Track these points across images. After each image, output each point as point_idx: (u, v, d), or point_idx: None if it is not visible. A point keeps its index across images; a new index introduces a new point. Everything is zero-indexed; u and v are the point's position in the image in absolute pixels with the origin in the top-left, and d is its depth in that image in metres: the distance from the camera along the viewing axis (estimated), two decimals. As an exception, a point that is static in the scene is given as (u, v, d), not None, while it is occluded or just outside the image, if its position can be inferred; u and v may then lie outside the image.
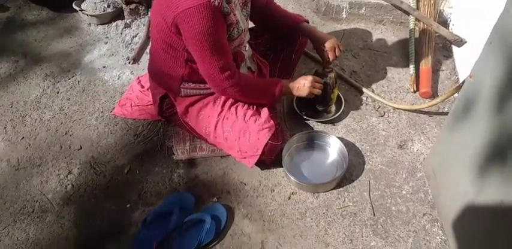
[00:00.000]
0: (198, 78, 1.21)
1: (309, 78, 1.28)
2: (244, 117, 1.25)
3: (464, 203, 1.00)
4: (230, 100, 1.28)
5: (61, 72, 1.67)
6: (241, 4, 1.19)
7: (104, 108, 1.52)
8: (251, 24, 1.38)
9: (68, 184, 1.32)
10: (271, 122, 1.24)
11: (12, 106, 1.56)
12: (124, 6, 1.80)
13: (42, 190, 1.31)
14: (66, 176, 1.33)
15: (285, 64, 1.49)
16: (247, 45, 1.33)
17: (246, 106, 1.28)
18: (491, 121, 0.86)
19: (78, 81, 1.62)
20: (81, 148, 1.41)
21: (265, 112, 1.27)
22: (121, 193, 1.28)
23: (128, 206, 1.25)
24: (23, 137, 1.45)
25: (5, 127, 1.49)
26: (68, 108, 1.53)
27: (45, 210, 1.26)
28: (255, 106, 1.29)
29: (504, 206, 0.83)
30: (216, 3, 1.01)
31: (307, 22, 1.40)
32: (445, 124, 1.15)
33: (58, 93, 1.59)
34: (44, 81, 1.63)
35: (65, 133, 1.45)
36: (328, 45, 1.34)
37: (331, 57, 1.35)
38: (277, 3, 1.39)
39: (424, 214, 1.19)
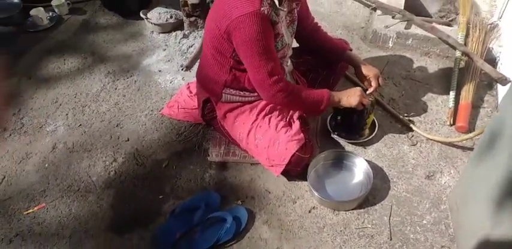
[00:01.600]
0: (239, 85, 1.35)
1: (358, 88, 1.37)
2: (276, 127, 1.36)
3: (481, 237, 1.03)
4: (265, 111, 1.40)
5: (121, 72, 1.90)
6: (288, 21, 1.32)
7: (154, 107, 1.72)
8: (295, 44, 1.51)
9: (112, 170, 1.50)
10: (301, 135, 1.33)
11: (76, 97, 1.81)
12: (185, 18, 2.03)
13: (89, 172, 1.50)
14: (111, 163, 1.52)
15: (323, 86, 1.55)
16: (289, 60, 1.45)
17: (279, 117, 1.39)
18: (511, 157, 0.90)
19: (135, 81, 1.85)
20: (128, 140, 1.60)
21: (296, 125, 1.37)
22: (156, 184, 1.44)
23: (161, 197, 1.40)
24: (80, 125, 1.68)
25: (66, 114, 1.73)
26: (123, 103, 1.75)
27: (89, 190, 1.44)
28: (287, 118, 1.40)
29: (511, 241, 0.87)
30: (266, 11, 1.16)
31: (351, 50, 1.51)
32: (471, 158, 1.19)
33: (116, 89, 1.82)
34: (106, 78, 1.87)
35: (116, 125, 1.66)
36: (371, 73, 1.43)
37: (374, 84, 1.44)
38: (324, 30, 1.52)
39: (442, 246, 1.22)
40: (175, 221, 1.30)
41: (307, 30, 1.47)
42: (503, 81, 1.59)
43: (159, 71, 1.89)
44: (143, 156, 1.53)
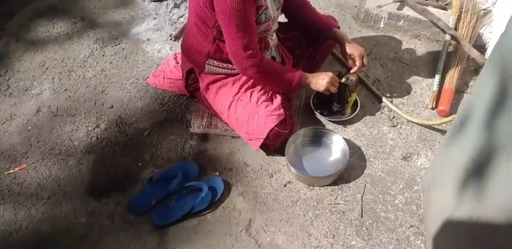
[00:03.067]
0: (222, 56, 1.27)
1: (329, 74, 1.30)
2: (257, 101, 1.29)
3: (444, 218, 1.00)
4: (247, 84, 1.33)
5: (110, 38, 1.78)
6: None
7: (140, 75, 1.62)
8: (284, 19, 1.40)
9: (94, 136, 1.42)
10: (281, 110, 1.27)
11: (63, 61, 1.68)
12: None
13: (71, 137, 1.42)
14: (94, 129, 1.44)
15: (309, 63, 1.50)
16: (274, 34, 1.36)
17: (261, 92, 1.32)
18: (478, 138, 0.86)
19: (123, 49, 1.73)
20: (112, 107, 1.51)
21: (277, 100, 1.31)
22: (137, 152, 1.37)
23: (140, 164, 1.34)
24: (66, 89, 1.58)
25: (53, 78, 1.62)
26: (109, 70, 1.64)
27: (70, 154, 1.37)
28: (269, 94, 1.33)
29: (472, 222, 0.83)
30: None
31: (338, 28, 1.41)
32: (444, 140, 1.13)
33: (103, 55, 1.70)
34: (94, 44, 1.75)
35: (101, 92, 1.56)
36: (356, 52, 1.34)
37: (358, 64, 1.36)
38: (312, 5, 1.41)
39: (411, 226, 1.19)
40: (152, 188, 1.25)
41: (294, 5, 1.36)
42: (490, 67, 1.49)
43: (148, 40, 1.77)
44: (126, 124, 1.45)
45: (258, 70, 1.20)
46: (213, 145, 1.39)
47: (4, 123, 1.47)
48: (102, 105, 1.51)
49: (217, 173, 1.31)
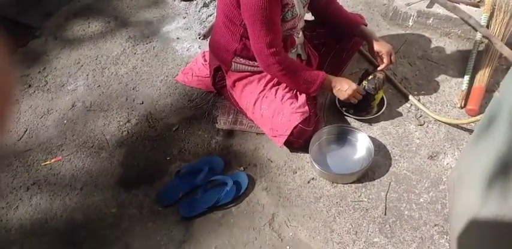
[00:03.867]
0: (249, 54, 1.25)
1: (353, 85, 1.26)
2: (282, 98, 1.27)
3: (470, 216, 0.95)
4: (273, 82, 1.31)
5: (141, 37, 1.80)
6: None
7: (169, 73, 1.63)
8: (310, 17, 1.37)
9: (125, 130, 1.45)
10: (306, 108, 1.25)
11: (97, 59, 1.72)
12: None
13: (104, 131, 1.45)
14: (125, 124, 1.47)
15: (335, 61, 1.47)
16: (300, 32, 1.33)
17: (286, 89, 1.30)
18: (505, 137, 0.81)
19: (154, 47, 1.75)
20: (142, 103, 1.53)
21: (302, 98, 1.28)
22: (165, 146, 1.39)
23: (168, 158, 1.35)
24: (99, 86, 1.62)
25: (87, 75, 1.66)
26: (140, 67, 1.67)
27: (102, 148, 1.40)
28: (294, 91, 1.31)
29: (498, 221, 0.79)
30: None
31: (366, 25, 1.37)
32: (470, 138, 1.07)
33: (135, 53, 1.73)
34: (126, 42, 1.78)
35: (133, 88, 1.59)
36: (383, 50, 1.30)
37: (385, 61, 1.31)
38: (345, 5, 1.36)
39: (435, 225, 1.13)
40: (180, 181, 1.25)
41: (321, 2, 1.33)
42: (523, 66, 1.39)
43: (177, 38, 1.78)
44: (155, 119, 1.47)
45: (281, 68, 1.19)
46: (238, 141, 1.38)
47: (42, 117, 1.52)
48: (133, 100, 1.54)
49: (241, 168, 1.30)
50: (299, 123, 1.21)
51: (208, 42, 1.43)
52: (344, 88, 1.25)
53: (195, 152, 1.36)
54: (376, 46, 1.31)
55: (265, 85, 1.30)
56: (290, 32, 1.24)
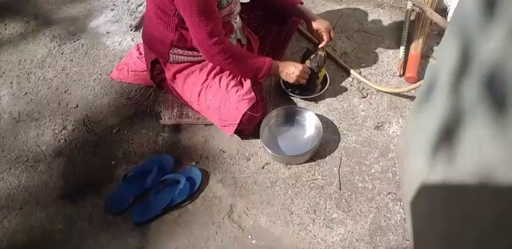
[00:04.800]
0: (186, 44, 1.15)
1: (299, 67, 1.20)
2: (227, 87, 1.18)
3: (419, 182, 0.94)
4: (215, 70, 1.21)
5: (67, 35, 1.60)
6: None
7: (103, 71, 1.46)
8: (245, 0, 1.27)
9: (61, 138, 1.28)
10: (252, 94, 1.17)
11: (20, 63, 1.51)
12: None
13: (38, 142, 1.28)
14: (61, 131, 1.30)
15: (276, 42, 1.39)
16: (237, 17, 1.23)
17: (230, 77, 1.21)
18: (444, 103, 0.80)
19: (82, 44, 1.55)
20: (77, 106, 1.37)
21: (247, 84, 1.20)
22: (108, 150, 1.25)
23: (113, 162, 1.22)
24: (26, 93, 1.42)
25: (11, 82, 1.45)
26: (70, 68, 1.48)
27: (38, 160, 1.24)
28: (239, 78, 1.22)
29: (445, 185, 0.79)
30: None
31: (302, 3, 1.29)
32: (412, 106, 1.06)
33: (62, 53, 1.53)
34: (51, 42, 1.57)
35: (64, 92, 1.41)
36: (322, 27, 1.25)
37: (326, 38, 1.27)
38: None
39: (388, 193, 1.12)
40: (128, 185, 1.14)
41: None
42: (453, 30, 1.39)
43: (107, 33, 1.59)
44: (93, 122, 1.32)
45: (226, 57, 1.10)
46: (186, 135, 1.27)
47: (-35, 134, 1.31)
48: (67, 105, 1.36)
49: (193, 163, 1.21)
50: (247, 110, 1.14)
51: (141, 33, 1.28)
52: (291, 71, 1.19)
53: (141, 152, 1.24)
54: (315, 25, 1.25)
55: (208, 75, 1.20)
56: (227, 18, 1.15)
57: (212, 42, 1.06)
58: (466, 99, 0.71)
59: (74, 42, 1.56)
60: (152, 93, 1.36)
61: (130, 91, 1.38)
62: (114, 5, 1.70)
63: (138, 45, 1.46)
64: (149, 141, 1.26)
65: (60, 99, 1.39)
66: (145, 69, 1.35)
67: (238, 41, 1.28)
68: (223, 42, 1.08)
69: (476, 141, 0.67)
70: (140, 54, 1.43)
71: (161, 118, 1.30)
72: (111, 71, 1.43)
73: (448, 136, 0.79)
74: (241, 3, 1.24)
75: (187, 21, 1.05)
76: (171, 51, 1.17)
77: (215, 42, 1.06)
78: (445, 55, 0.81)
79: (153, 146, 1.25)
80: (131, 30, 1.59)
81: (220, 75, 1.21)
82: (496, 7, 0.60)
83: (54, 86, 1.42)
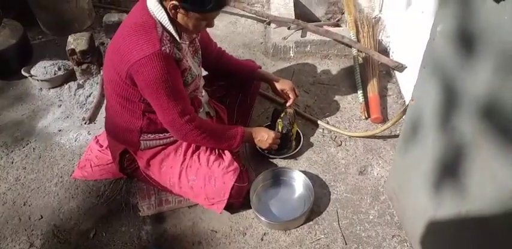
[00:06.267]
0: (157, 128, 1.35)
1: (272, 133, 1.46)
2: (208, 162, 1.37)
3: (426, 220, 1.14)
4: (191, 148, 1.41)
5: (14, 141, 1.78)
6: (192, 51, 1.37)
7: (63, 172, 1.63)
8: (204, 72, 1.57)
9: (31, 258, 1.39)
10: (235, 164, 1.37)
11: (-36, 184, 1.66)
12: (75, 67, 1.99)
13: (3, 268, 1.37)
14: None
15: (242, 107, 1.68)
16: (203, 90, 1.50)
17: (208, 151, 1.41)
18: (437, 140, 1.01)
19: (34, 148, 1.74)
20: (41, 217, 1.48)
21: (228, 155, 1.40)
22: None
23: (98, 272, 1.34)
24: None
25: (-43, 206, 1.58)
26: (25, 177, 1.63)
27: (8, 290, 1.31)
28: (217, 151, 1.42)
29: (461, 218, 0.97)
30: (167, 50, 1.17)
31: (260, 68, 1.63)
32: (397, 147, 1.33)
33: (12, 162, 1.69)
34: None
35: (23, 204, 1.53)
36: (287, 86, 1.56)
37: (292, 96, 1.57)
38: (228, 53, 1.61)
39: (393, 236, 1.35)
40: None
41: (212, 57, 1.54)
42: (400, 68, 1.86)
43: (59, 131, 1.81)
44: (65, 231, 1.44)
45: (200, 132, 1.30)
46: (171, 223, 1.42)
47: None
48: (29, 218, 1.48)
49: None
50: (234, 182, 1.32)
51: (101, 125, 1.49)
52: (264, 137, 1.44)
53: None
54: (279, 85, 1.56)
55: (185, 155, 1.39)
56: (194, 93, 1.39)
57: (184, 120, 1.26)
58: (463, 133, 0.89)
59: (23, 147, 1.74)
60: (123, 185, 1.53)
61: (98, 188, 1.54)
62: (61, 100, 1.97)
63: (96, 137, 1.67)
64: (132, 239, 1.38)
65: (19, 213, 1.49)
66: (111, 161, 1.53)
67: (207, 113, 1.53)
68: (195, 119, 1.30)
69: (487, 172, 0.83)
70: (101, 146, 1.62)
71: (140, 210, 1.45)
72: (73, 171, 1.60)
73: (450, 171, 0.97)
74: (203, 77, 1.52)
75: (154, 105, 1.25)
76: (141, 138, 1.36)
77: (187, 120, 1.27)
78: (424, 95, 1.04)
79: (138, 243, 1.37)
80: (85, 123, 1.82)
81: (198, 152, 1.41)
82: (475, 45, 0.80)
83: (10, 200, 1.54)
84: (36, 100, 1.99)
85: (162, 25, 1.21)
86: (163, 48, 1.17)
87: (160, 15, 1.20)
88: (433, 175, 1.08)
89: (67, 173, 1.64)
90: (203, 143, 1.39)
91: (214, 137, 1.37)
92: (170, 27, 1.21)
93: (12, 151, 1.76)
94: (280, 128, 1.55)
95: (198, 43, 1.41)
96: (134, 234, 1.42)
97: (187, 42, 1.34)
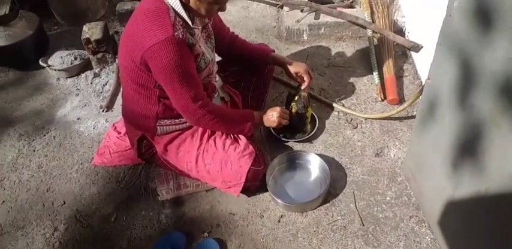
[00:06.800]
0: (173, 113, 1.35)
1: (277, 109, 1.44)
2: (224, 146, 1.37)
3: (444, 199, 1.12)
4: (207, 133, 1.41)
5: (35, 130, 1.81)
6: (205, 37, 1.35)
7: (83, 159, 1.65)
8: (218, 58, 1.55)
9: (55, 242, 1.41)
10: (251, 148, 1.37)
11: (-11, 171, 1.70)
12: (91, 56, 1.99)
13: (30, 251, 1.41)
14: (52, 234, 1.43)
15: (256, 92, 1.66)
16: (216, 76, 1.49)
17: (224, 136, 1.41)
18: (455, 119, 0.99)
19: (54, 137, 1.77)
20: (64, 203, 1.52)
21: (243, 139, 1.40)
22: (110, 242, 1.37)
23: (119, 254, 1.36)
24: (3, 201, 1.55)
25: (-16, 193, 1.63)
26: (47, 164, 1.66)
27: (35, 272, 1.35)
28: (232, 135, 1.42)
29: (480, 196, 0.95)
30: (180, 35, 1.17)
31: (274, 51, 1.60)
32: (414, 127, 1.31)
33: (34, 151, 1.72)
34: (19, 141, 1.76)
35: (46, 191, 1.57)
36: (301, 69, 1.54)
37: (307, 79, 1.54)
38: (241, 38, 1.58)
39: (410, 217, 1.33)
40: (144, 274, 1.27)
41: (225, 42, 1.52)
42: (416, 48, 1.79)
43: (78, 119, 1.83)
44: (87, 216, 1.46)
45: (212, 117, 1.30)
46: (190, 206, 1.43)
47: None
48: (53, 204, 1.51)
49: (205, 234, 1.34)
50: (250, 166, 1.32)
51: (118, 112, 1.51)
52: (270, 114, 1.43)
53: (147, 236, 1.36)
54: (293, 68, 1.54)
55: (201, 139, 1.40)
56: (208, 78, 1.38)
57: (197, 106, 1.26)
58: (482, 111, 0.87)
59: (44, 136, 1.78)
60: (142, 171, 1.55)
61: (118, 174, 1.57)
62: (78, 89, 2.00)
63: (113, 125, 1.68)
64: (152, 222, 1.40)
65: (43, 199, 1.54)
66: (129, 147, 1.54)
67: (222, 98, 1.52)
68: (207, 104, 1.30)
69: (507, 150, 0.81)
70: (119, 133, 1.63)
71: (158, 195, 1.46)
72: (92, 158, 1.62)
73: (468, 150, 0.95)
74: (216, 62, 1.50)
75: (167, 90, 1.25)
76: (157, 124, 1.37)
77: (200, 105, 1.27)
78: (440, 73, 1.02)
79: (158, 226, 1.39)
80: (103, 111, 1.84)
81: (214, 136, 1.41)
82: (493, 20, 0.77)
83: (34, 187, 1.58)
84: (54, 90, 2.02)
85: (174, 10, 1.19)
86: (176, 34, 1.16)
87: (172, 0, 1.17)
88: (451, 154, 1.05)
89: (87, 160, 1.66)
90: (216, 127, 1.39)
91: (226, 122, 1.37)
92: (183, 12, 1.19)
93: (33, 140, 1.79)
94: (294, 112, 1.53)
95: (211, 29, 1.39)
96: (154, 217, 1.43)
97: (200, 27, 1.31)
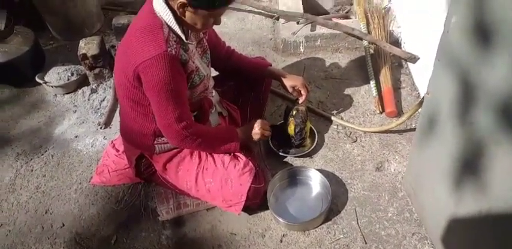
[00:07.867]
0: None
1: (258, 121, 1.40)
2: (223, 163, 1.33)
3: (446, 216, 1.09)
4: None
5: (33, 149, 1.75)
6: (200, 52, 1.31)
7: (82, 179, 1.60)
8: (214, 73, 1.51)
9: (56, 266, 1.38)
10: (250, 164, 1.32)
11: (-13, 193, 1.65)
12: (88, 72, 1.95)
13: (29, 276, 1.37)
14: None
15: (255, 106, 1.62)
16: (213, 91, 1.45)
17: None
18: (456, 133, 0.96)
19: (52, 155, 1.71)
20: (63, 225, 1.47)
21: (242, 156, 1.36)
22: None
23: (121, 278, 1.32)
24: (1, 224, 1.50)
25: (-18, 216, 1.58)
26: (45, 185, 1.61)
27: (35, 298, 1.31)
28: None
29: (483, 214, 0.92)
30: (173, 52, 1.13)
31: (271, 65, 1.56)
32: (414, 141, 1.28)
33: (32, 171, 1.67)
34: (17, 161, 1.71)
35: (45, 212, 1.52)
36: (298, 83, 1.49)
37: (304, 93, 1.50)
38: (236, 49, 1.54)
39: (413, 234, 1.29)
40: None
41: (222, 56, 1.48)
42: (413, 59, 1.74)
43: (76, 137, 1.78)
44: (86, 238, 1.41)
45: (195, 138, 1.25)
46: (190, 226, 1.39)
47: None
48: (52, 226, 1.46)
49: None
50: (251, 183, 1.28)
51: (116, 129, 1.45)
52: (250, 128, 1.39)
53: None
54: (290, 82, 1.49)
55: (200, 157, 1.35)
56: (203, 94, 1.34)
57: (180, 127, 1.21)
58: (481, 128, 0.85)
59: (42, 155, 1.72)
60: (142, 190, 1.50)
61: (117, 193, 1.52)
62: (75, 105, 1.94)
63: (112, 142, 1.63)
64: (153, 244, 1.35)
65: (42, 221, 1.48)
66: (128, 166, 1.49)
67: (220, 113, 1.48)
68: (191, 126, 1.24)
69: (509, 169, 0.78)
70: (117, 151, 1.58)
71: (159, 215, 1.42)
72: (91, 177, 1.57)
73: (469, 167, 0.92)
74: (213, 77, 1.45)
75: (153, 106, 1.20)
76: (155, 142, 1.33)
77: (183, 126, 1.21)
78: (439, 89, 0.99)
79: (158, 248, 1.34)
80: (101, 128, 1.79)
81: (213, 154, 1.36)
82: (491, 37, 0.75)
83: (32, 209, 1.52)
84: (51, 107, 1.97)
85: (168, 26, 1.16)
86: (169, 50, 1.13)
87: (166, 15, 1.14)
88: (452, 171, 1.02)
89: (86, 179, 1.61)
90: (201, 148, 1.35)
91: (210, 144, 1.32)
92: (176, 28, 1.16)
93: (31, 159, 1.74)
94: (293, 127, 1.49)
95: (206, 44, 1.35)
96: (154, 239, 1.39)
97: (195, 43, 1.28)
